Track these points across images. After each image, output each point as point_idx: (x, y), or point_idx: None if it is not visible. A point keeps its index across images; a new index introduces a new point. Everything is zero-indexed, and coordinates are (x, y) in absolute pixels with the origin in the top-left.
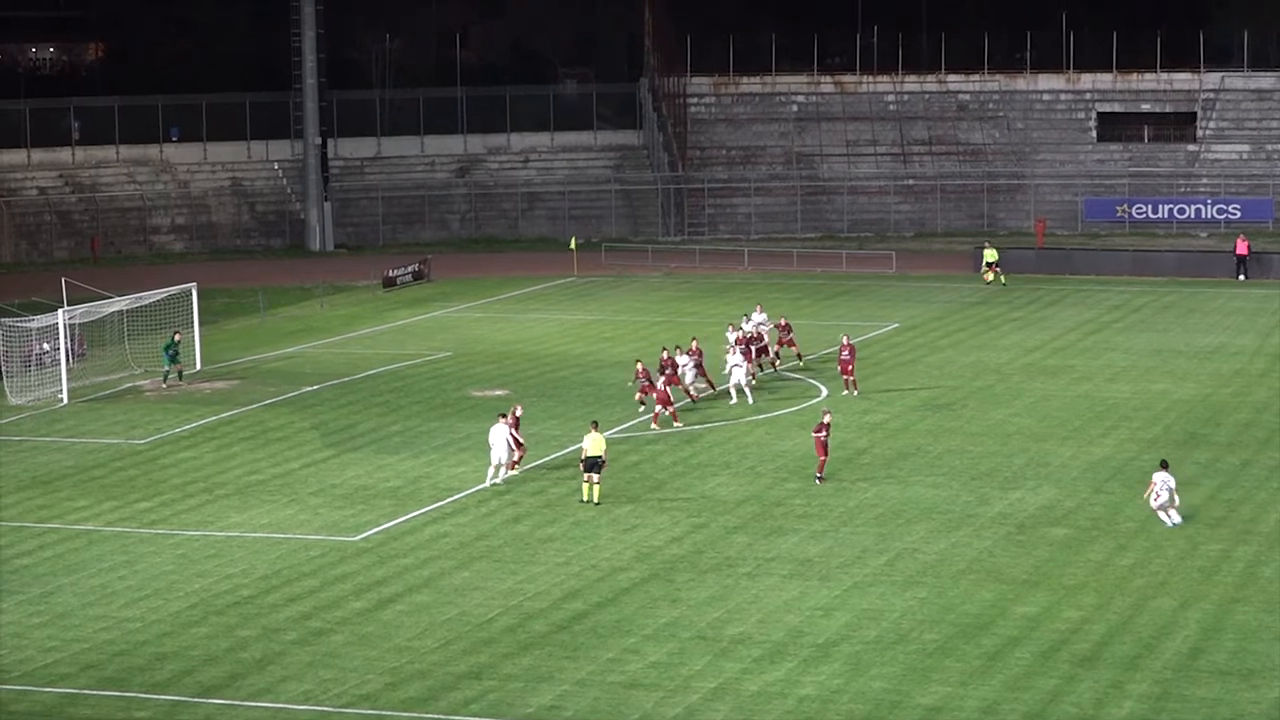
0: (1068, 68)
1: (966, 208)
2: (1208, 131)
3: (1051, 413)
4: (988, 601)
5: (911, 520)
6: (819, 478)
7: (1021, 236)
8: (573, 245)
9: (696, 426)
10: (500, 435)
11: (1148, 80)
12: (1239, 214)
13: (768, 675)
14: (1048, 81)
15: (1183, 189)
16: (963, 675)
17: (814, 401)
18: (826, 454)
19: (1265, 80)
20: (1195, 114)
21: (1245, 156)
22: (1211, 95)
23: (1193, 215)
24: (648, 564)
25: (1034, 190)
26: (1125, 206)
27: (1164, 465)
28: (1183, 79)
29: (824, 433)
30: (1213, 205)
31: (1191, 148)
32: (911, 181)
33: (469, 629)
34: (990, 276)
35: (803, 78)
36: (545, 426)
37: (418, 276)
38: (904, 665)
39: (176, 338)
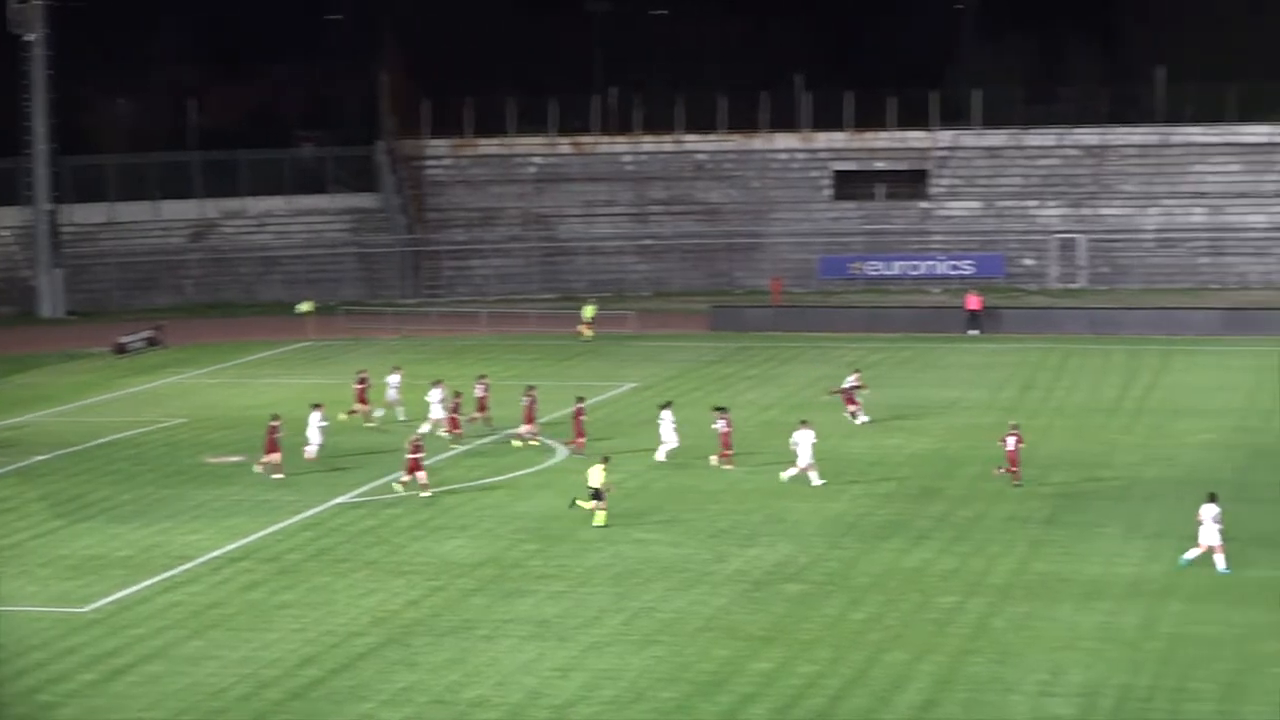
0: (803, 127)
1: (704, 267)
2: (940, 189)
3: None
4: (724, 659)
5: (649, 579)
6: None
7: (758, 294)
8: (302, 309)
9: (436, 489)
10: (667, 420)
11: (881, 139)
12: (971, 270)
13: None
14: (783, 141)
15: (916, 246)
16: None
17: (551, 463)
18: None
19: (996, 138)
20: (928, 171)
21: (977, 213)
22: (944, 153)
23: (926, 271)
24: (384, 628)
25: (771, 248)
26: (860, 264)
27: (1212, 498)
28: (916, 137)
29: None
30: (945, 261)
31: (924, 205)
32: (649, 241)
33: (202, 699)
34: (583, 332)
35: (540, 139)
36: (281, 492)
37: (152, 343)
38: None
39: None
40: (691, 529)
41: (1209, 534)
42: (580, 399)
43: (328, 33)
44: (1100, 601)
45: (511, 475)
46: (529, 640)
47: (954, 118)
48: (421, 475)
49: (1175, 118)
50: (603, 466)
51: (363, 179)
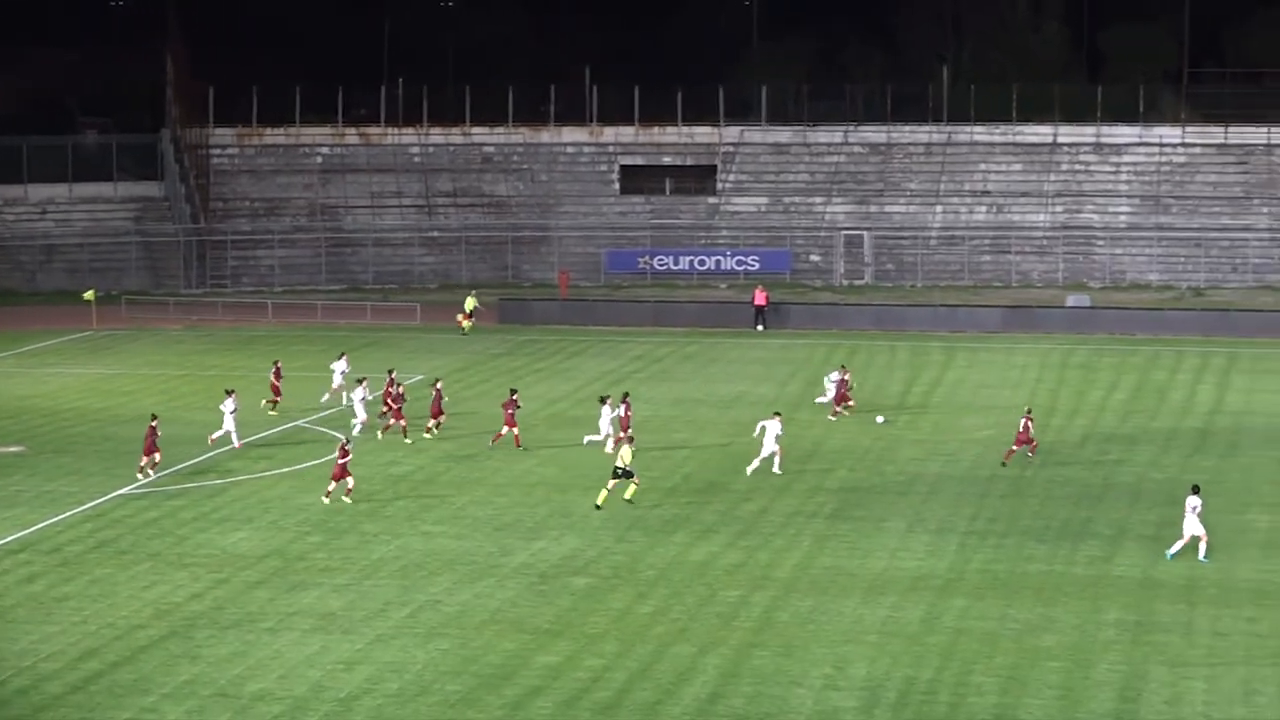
0: (591, 121)
1: (491, 259)
2: (727, 184)
3: (574, 463)
4: (510, 652)
5: (435, 572)
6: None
7: (545, 288)
8: (89, 297)
9: (217, 481)
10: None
11: (669, 134)
12: (758, 265)
13: None
14: (571, 134)
15: (703, 241)
16: None
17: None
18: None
19: (782, 134)
20: (716, 167)
21: (763, 209)
22: (731, 149)
23: (713, 266)
24: (167, 621)
25: (558, 242)
26: (647, 258)
27: (1195, 490)
28: (703, 132)
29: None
30: (732, 257)
31: (712, 200)
32: (436, 233)
33: None
34: (462, 323)
35: (327, 129)
36: (63, 483)
37: None
38: (426, 718)
39: None
40: (477, 522)
41: (1192, 524)
42: (436, 382)
43: (112, 17)
44: (884, 596)
45: (296, 467)
46: (313, 633)
47: (741, 113)
48: (350, 480)
49: (959, 117)
50: (630, 447)
51: (147, 167)
